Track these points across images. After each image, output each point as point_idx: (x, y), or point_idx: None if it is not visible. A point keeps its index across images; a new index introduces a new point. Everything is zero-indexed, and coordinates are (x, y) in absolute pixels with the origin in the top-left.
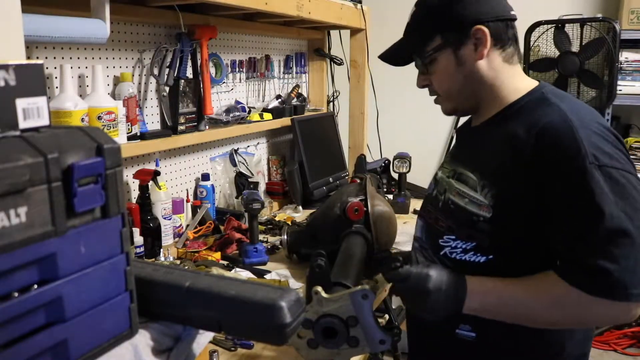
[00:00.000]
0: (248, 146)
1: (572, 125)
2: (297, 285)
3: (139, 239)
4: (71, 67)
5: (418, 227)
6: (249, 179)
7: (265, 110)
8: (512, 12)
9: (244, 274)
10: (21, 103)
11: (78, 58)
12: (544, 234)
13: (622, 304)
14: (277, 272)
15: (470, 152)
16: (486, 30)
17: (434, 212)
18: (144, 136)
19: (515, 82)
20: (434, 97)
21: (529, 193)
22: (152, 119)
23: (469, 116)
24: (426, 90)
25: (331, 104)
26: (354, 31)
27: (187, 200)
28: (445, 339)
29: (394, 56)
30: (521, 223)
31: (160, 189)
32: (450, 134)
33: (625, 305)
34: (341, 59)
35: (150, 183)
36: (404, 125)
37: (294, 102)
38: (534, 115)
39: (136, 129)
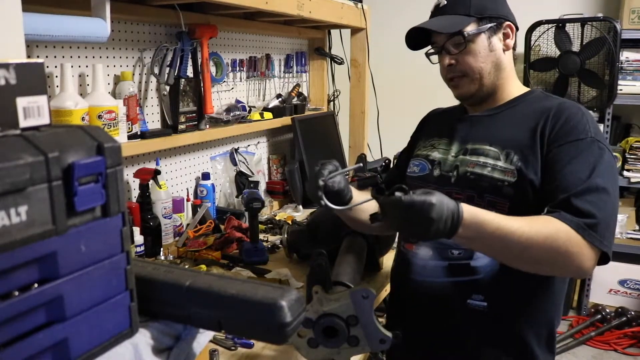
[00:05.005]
0: (248, 145)
1: (580, 108)
2: (297, 285)
3: (139, 238)
4: (72, 66)
5: None
6: (249, 178)
7: (265, 109)
8: None
9: (244, 273)
10: (22, 102)
11: (78, 57)
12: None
13: (594, 250)
14: (277, 271)
15: (482, 132)
16: (514, 27)
17: (443, 188)
18: (144, 135)
19: (518, 82)
20: (454, 77)
21: (545, 157)
22: (153, 118)
23: (445, 108)
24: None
25: (331, 103)
26: (355, 30)
27: (188, 199)
28: (456, 310)
29: (440, 26)
30: (537, 185)
31: (160, 188)
32: None
33: (596, 251)
34: (342, 58)
35: (151, 182)
36: (404, 124)
37: (295, 101)
38: (545, 102)
39: (136, 128)
